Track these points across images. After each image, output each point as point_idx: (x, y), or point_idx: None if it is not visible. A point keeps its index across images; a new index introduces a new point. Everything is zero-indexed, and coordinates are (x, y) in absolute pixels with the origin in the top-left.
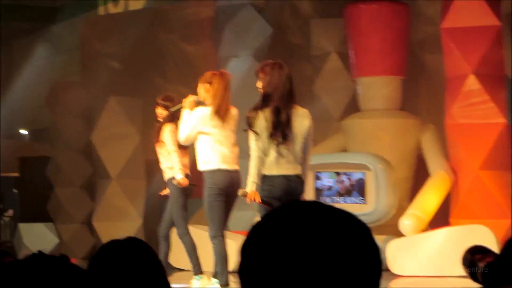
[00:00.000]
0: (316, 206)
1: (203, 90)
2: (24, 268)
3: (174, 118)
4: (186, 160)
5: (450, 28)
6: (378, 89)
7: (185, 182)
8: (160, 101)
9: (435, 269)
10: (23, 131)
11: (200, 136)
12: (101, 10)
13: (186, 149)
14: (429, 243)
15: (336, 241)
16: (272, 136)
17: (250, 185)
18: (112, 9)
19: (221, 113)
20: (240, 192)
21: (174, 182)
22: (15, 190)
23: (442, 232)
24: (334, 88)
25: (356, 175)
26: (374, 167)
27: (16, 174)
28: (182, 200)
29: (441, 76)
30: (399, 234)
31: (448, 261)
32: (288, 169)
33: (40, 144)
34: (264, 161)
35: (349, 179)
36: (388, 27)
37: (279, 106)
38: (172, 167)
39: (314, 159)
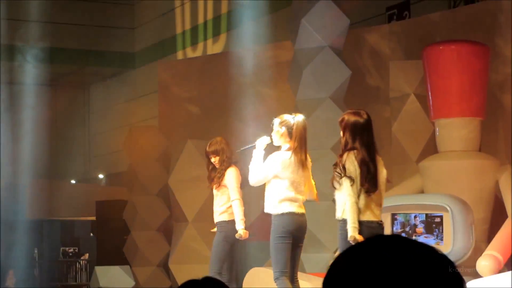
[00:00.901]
0: (398, 240)
1: (279, 132)
2: None
3: (234, 161)
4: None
5: None
6: (456, 130)
7: (246, 235)
8: (207, 150)
9: None
10: (101, 175)
11: (273, 180)
12: (179, 55)
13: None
14: (506, 283)
15: (420, 273)
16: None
17: (352, 230)
18: (190, 53)
19: (301, 158)
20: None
21: (236, 236)
22: (91, 234)
23: None
24: (412, 129)
25: (434, 216)
26: (452, 208)
27: (93, 218)
28: (225, 244)
29: None
30: (476, 276)
31: None
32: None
33: (117, 188)
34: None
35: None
36: (467, 68)
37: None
38: (223, 212)
39: (392, 201)
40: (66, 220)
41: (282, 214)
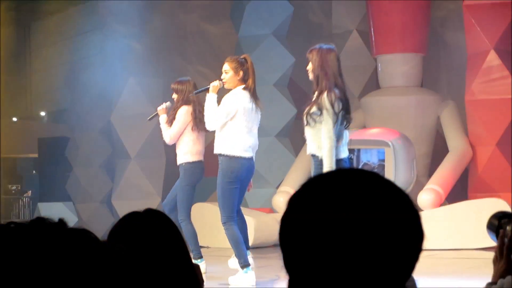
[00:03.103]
0: (359, 173)
1: (232, 75)
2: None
3: (189, 101)
4: (200, 147)
5: (472, 4)
6: (398, 66)
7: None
8: (172, 86)
9: (454, 242)
10: (43, 113)
11: (230, 121)
12: None
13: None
14: (447, 217)
15: (379, 207)
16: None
17: None
18: None
19: (256, 98)
20: None
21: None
22: (34, 171)
23: (460, 206)
24: (354, 66)
25: (375, 151)
26: (393, 143)
27: (35, 155)
28: (189, 189)
29: (462, 53)
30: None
31: (466, 235)
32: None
33: (59, 125)
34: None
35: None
36: (409, 4)
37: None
38: (185, 153)
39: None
40: (8, 158)
41: (233, 157)
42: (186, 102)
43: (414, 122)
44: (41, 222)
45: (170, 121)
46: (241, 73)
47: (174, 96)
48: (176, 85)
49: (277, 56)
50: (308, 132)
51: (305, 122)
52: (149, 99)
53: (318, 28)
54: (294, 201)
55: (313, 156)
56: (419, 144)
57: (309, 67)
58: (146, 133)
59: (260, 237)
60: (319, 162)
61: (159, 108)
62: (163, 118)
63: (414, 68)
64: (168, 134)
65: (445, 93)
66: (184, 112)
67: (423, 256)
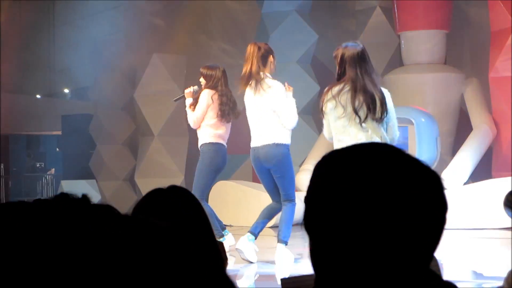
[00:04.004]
0: (388, 149)
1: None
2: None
3: (216, 88)
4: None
5: None
6: (421, 43)
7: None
8: (201, 70)
9: (477, 221)
10: (66, 90)
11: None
12: None
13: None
14: (471, 196)
15: (403, 180)
16: None
17: None
18: None
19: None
20: None
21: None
22: (57, 149)
23: (483, 185)
24: (377, 43)
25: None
26: (417, 121)
27: (58, 132)
28: (209, 170)
29: (486, 30)
30: None
31: (490, 214)
32: None
33: (83, 102)
34: None
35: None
36: None
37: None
38: (205, 135)
39: None
40: (31, 135)
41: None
42: (212, 88)
43: (438, 100)
44: (65, 198)
45: (193, 105)
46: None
47: (201, 80)
48: (205, 70)
49: (300, 33)
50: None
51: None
52: (172, 76)
53: (341, 5)
54: (318, 175)
55: None
56: (443, 122)
57: None
58: (170, 111)
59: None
60: None
61: (186, 91)
62: (188, 102)
63: (437, 45)
64: (191, 118)
65: (469, 71)
66: (206, 94)
67: (446, 235)
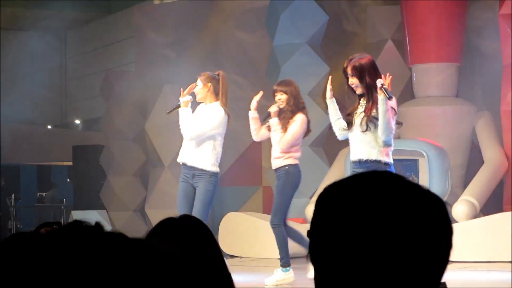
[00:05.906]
0: (391, 176)
1: (205, 88)
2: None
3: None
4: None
5: (508, 14)
6: (433, 76)
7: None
8: (275, 87)
9: (488, 255)
10: (77, 121)
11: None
12: None
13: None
14: (482, 229)
15: (408, 209)
16: None
17: None
18: None
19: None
20: None
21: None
22: (68, 180)
23: (495, 218)
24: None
25: (410, 162)
26: (428, 154)
27: (69, 163)
28: (291, 193)
29: (498, 63)
30: (452, 222)
31: (501, 247)
32: None
33: (94, 133)
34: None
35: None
36: (445, 14)
37: None
38: (283, 156)
39: None
40: (43, 165)
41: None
42: (301, 111)
43: (449, 133)
44: (78, 226)
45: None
46: (209, 85)
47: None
48: (284, 88)
49: (311, 65)
50: (365, 137)
51: (363, 128)
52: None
53: (353, 37)
54: (321, 207)
55: (363, 161)
56: (454, 155)
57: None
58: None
59: (293, 248)
60: (365, 169)
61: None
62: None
63: (449, 78)
64: (287, 140)
65: (481, 104)
66: (304, 121)
67: (457, 267)
